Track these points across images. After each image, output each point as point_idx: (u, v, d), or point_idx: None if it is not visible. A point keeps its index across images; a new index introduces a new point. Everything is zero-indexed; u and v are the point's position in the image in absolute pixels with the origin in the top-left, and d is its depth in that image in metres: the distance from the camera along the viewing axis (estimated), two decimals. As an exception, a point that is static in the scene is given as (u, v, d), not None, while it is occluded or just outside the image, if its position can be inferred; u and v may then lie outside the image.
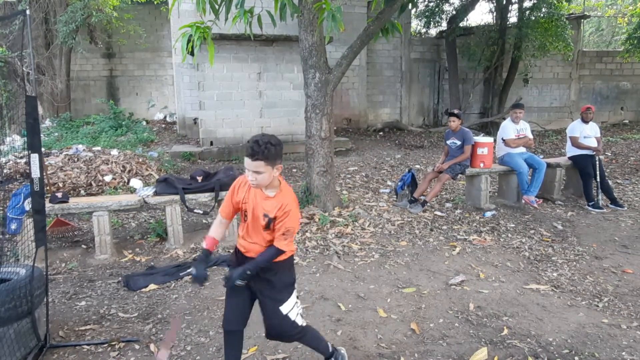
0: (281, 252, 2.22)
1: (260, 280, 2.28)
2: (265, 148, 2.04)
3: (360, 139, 12.12)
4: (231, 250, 4.61)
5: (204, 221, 5.59)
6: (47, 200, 4.28)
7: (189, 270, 2.17)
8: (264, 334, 2.39)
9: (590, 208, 6.02)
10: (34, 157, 2.72)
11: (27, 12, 2.56)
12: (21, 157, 7.40)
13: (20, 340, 2.65)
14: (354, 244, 4.77)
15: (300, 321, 2.38)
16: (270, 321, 2.32)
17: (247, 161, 2.08)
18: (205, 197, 4.76)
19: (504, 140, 6.15)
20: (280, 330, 2.32)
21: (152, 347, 2.91)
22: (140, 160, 7.79)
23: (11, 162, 7.21)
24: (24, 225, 4.15)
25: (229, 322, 2.36)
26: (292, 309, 2.32)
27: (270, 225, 2.20)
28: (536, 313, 3.32)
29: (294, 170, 8.51)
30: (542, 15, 12.15)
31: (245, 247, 2.30)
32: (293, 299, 2.35)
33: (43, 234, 2.85)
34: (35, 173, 2.74)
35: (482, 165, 5.97)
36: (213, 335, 3.04)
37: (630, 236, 5.01)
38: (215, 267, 4.21)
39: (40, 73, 12.00)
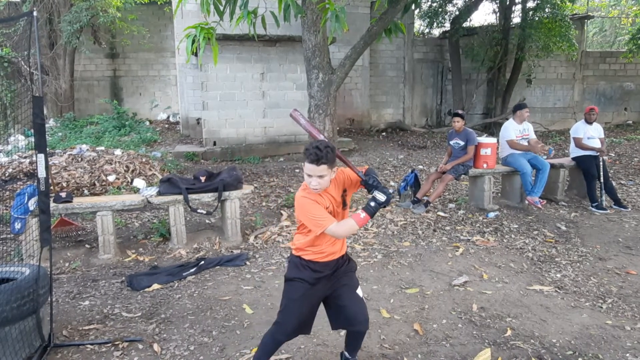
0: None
1: (344, 272, 2.37)
2: (327, 152, 2.09)
3: (363, 140, 12.12)
4: (234, 251, 4.63)
5: (207, 221, 5.60)
6: (51, 200, 4.29)
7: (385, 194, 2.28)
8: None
9: (593, 209, 6.00)
10: (40, 157, 2.73)
11: (35, 13, 2.56)
12: (25, 157, 7.43)
13: (26, 340, 2.66)
14: (357, 244, 4.78)
15: None
16: (359, 306, 2.37)
17: (311, 167, 2.10)
18: (208, 197, 4.77)
19: (507, 140, 6.14)
20: (366, 313, 2.39)
21: (155, 346, 2.92)
22: (144, 160, 7.80)
23: (15, 161, 7.24)
24: (28, 225, 4.17)
25: (295, 331, 2.34)
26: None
27: (345, 202, 2.33)
28: (540, 314, 3.32)
29: (297, 170, 8.51)
30: (545, 15, 12.13)
31: (331, 250, 2.31)
32: None
33: (48, 234, 2.87)
34: (41, 173, 2.75)
35: (485, 165, 5.96)
36: (216, 335, 3.05)
37: (634, 237, 5.00)
38: (219, 267, 4.23)
39: (44, 73, 12.03)
